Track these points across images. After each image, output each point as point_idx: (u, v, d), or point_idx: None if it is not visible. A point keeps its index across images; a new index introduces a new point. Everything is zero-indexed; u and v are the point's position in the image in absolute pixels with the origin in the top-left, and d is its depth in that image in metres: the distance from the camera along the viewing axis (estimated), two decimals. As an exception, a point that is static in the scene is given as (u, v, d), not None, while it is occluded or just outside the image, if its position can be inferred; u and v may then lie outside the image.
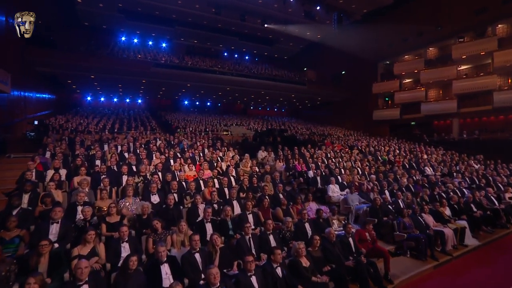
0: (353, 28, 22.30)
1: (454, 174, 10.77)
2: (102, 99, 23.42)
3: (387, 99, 23.29)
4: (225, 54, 28.93)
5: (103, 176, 5.75)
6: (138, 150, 8.69)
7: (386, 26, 20.36)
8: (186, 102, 26.67)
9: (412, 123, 21.60)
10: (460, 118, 18.41)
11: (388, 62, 22.98)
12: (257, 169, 8.32)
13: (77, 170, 6.04)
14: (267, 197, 6.17)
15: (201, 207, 5.16)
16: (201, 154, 9.45)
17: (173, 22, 22.89)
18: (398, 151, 14.40)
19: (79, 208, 4.42)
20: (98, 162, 7.07)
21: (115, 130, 13.14)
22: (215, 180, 6.81)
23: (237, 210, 5.58)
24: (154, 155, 8.18)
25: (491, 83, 15.87)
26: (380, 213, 6.32)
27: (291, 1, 18.66)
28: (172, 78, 18.37)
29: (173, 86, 20.35)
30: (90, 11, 20.14)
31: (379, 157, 13.02)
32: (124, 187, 5.49)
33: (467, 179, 10.07)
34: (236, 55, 29.38)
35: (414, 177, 9.81)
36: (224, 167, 8.24)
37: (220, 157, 9.22)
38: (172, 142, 10.86)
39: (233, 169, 7.53)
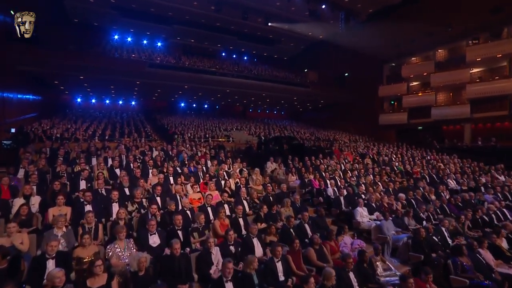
0: (357, 29, 21.33)
1: (482, 188, 9.79)
2: (93, 100, 21.97)
3: (392, 102, 22.40)
4: (223, 54, 27.76)
5: (88, 208, 4.53)
6: (131, 165, 7.47)
7: (392, 26, 19.37)
8: (182, 104, 25.36)
9: (419, 127, 20.75)
10: (472, 123, 17.56)
11: (394, 64, 22.09)
12: (270, 187, 7.14)
13: (54, 197, 4.81)
14: (292, 230, 5.05)
15: (215, 250, 4.00)
16: (204, 168, 8.24)
17: (169, 20, 21.61)
18: (412, 160, 13.45)
19: (50, 263, 3.22)
20: (83, 184, 5.84)
21: (106, 137, 11.86)
22: (226, 206, 5.65)
23: (258, 250, 4.43)
24: (150, 171, 6.96)
25: (509, 87, 15.02)
26: (426, 247, 5.25)
27: (295, -2, 17.64)
28: (168, 79, 17.12)
29: (170, 88, 19.08)
30: (80, 7, 18.75)
31: (395, 168, 12.03)
32: (115, 223, 4.28)
33: (499, 195, 9.09)
34: (234, 55, 28.26)
35: (443, 194, 8.84)
36: (232, 185, 7.08)
37: (226, 171, 8.04)
38: (170, 153, 9.63)
39: (245, 190, 6.33)
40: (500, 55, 15.39)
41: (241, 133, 18.13)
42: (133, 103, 23.48)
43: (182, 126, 17.15)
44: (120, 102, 22.91)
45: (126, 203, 5.23)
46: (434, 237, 5.55)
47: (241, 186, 6.85)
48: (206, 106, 26.91)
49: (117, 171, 6.78)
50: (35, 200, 4.78)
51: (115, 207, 4.90)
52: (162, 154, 9.09)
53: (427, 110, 18.67)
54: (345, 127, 23.69)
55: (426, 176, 10.72)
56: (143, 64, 16.02)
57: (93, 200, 4.83)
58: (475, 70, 17.38)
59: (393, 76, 21.67)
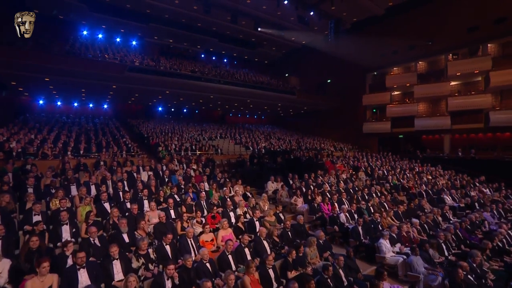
0: (341, 37, 21.40)
1: (476, 204, 9.97)
2: (59, 103, 19.52)
3: (374, 110, 22.83)
4: (202, 56, 26.51)
5: (83, 278, 3.44)
6: (120, 195, 6.29)
7: (375, 37, 19.75)
8: (160, 109, 23.69)
9: (400, 136, 21.33)
10: (451, 134, 18.36)
11: (375, 73, 22.54)
12: (289, 222, 6.39)
13: (31, 259, 3.64)
14: (330, 281, 4.38)
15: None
16: (204, 193, 7.26)
17: (146, 18, 19.95)
18: (403, 172, 13.53)
19: None
20: (65, 233, 4.61)
21: (81, 152, 10.30)
22: (247, 251, 4.81)
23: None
24: (147, 205, 5.88)
25: (485, 102, 15.88)
26: (466, 290, 4.87)
27: (285, 3, 17.00)
28: (148, 84, 15.60)
29: (149, 93, 17.52)
30: (42, -3, 16.47)
31: (390, 182, 11.95)
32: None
33: (495, 212, 9.24)
34: (214, 57, 27.11)
35: (448, 214, 8.78)
36: (242, 217, 6.23)
37: (230, 198, 7.17)
38: (161, 174, 8.50)
39: (264, 228, 5.51)
40: (477, 71, 16.18)
41: (226, 142, 17.17)
42: (105, 106, 21.35)
43: (163, 134, 15.74)
44: (91, 105, 20.68)
45: (129, 255, 4.21)
46: (469, 276, 5.22)
47: (254, 219, 6.04)
48: (185, 110, 25.47)
49: (107, 207, 5.61)
50: (3, 266, 3.51)
51: (117, 268, 3.85)
52: (153, 176, 7.96)
53: (410, 120, 19.19)
54: (328, 133, 23.75)
55: (423, 193, 10.75)
56: (122, 68, 14.36)
57: (87, 264, 3.69)
58: (452, 83, 18.15)
59: (375, 85, 22.07)
